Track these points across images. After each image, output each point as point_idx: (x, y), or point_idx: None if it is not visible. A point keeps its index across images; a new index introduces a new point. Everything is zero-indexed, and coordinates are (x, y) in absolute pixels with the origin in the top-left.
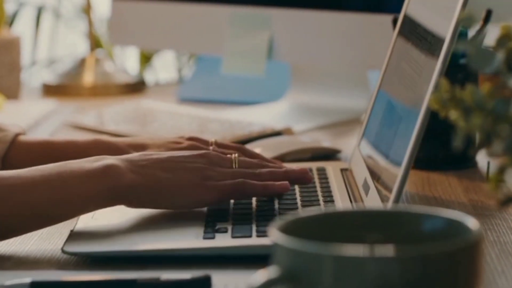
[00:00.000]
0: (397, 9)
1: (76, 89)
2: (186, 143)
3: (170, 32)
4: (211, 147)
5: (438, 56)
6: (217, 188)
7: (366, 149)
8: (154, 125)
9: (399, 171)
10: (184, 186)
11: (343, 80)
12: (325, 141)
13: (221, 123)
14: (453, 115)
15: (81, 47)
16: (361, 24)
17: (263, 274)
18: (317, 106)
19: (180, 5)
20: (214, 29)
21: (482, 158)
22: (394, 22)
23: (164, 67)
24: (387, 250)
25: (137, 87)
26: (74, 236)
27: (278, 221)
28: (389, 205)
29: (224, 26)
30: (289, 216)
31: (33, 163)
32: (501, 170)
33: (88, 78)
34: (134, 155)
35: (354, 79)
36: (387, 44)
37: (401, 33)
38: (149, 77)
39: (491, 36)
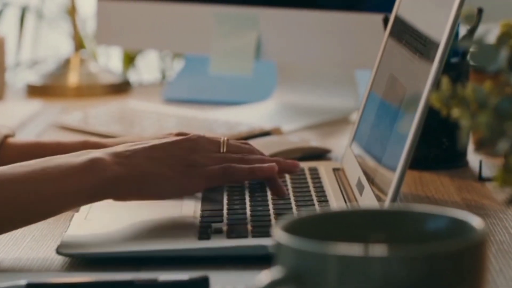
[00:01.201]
0: (386, 8)
1: (60, 90)
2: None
3: (156, 32)
4: None
5: (434, 55)
6: (203, 175)
7: (359, 149)
8: (140, 125)
9: (396, 171)
10: (170, 175)
11: (330, 80)
12: (314, 141)
13: (209, 123)
14: (456, 113)
15: (64, 47)
16: (349, 23)
17: (267, 275)
18: (304, 105)
19: (166, 4)
20: (201, 29)
21: (473, 157)
22: (385, 21)
23: (148, 68)
24: (392, 250)
25: (122, 88)
26: (69, 237)
27: (282, 221)
28: (386, 204)
29: (211, 26)
30: (292, 216)
31: None
32: (507, 169)
33: (73, 78)
34: (119, 147)
35: (341, 78)
36: (376, 44)
37: (392, 32)
38: (133, 78)
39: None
